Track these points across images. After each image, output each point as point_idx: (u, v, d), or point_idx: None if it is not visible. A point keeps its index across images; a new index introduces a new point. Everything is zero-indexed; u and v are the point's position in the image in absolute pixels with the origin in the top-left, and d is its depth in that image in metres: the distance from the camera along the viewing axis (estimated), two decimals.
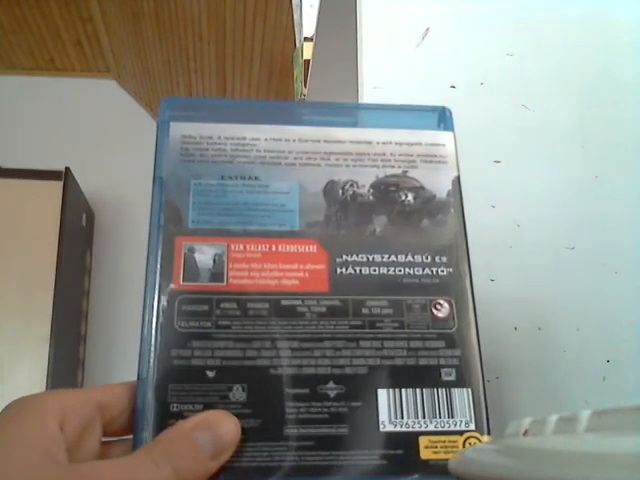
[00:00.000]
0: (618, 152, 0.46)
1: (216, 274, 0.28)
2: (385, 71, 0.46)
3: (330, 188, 0.30)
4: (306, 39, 0.93)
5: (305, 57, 0.91)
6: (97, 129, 2.22)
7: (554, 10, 0.49)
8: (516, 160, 0.45)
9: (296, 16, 1.05)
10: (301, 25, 0.99)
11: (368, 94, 0.45)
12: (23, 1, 1.88)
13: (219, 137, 0.30)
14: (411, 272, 0.29)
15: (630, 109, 0.47)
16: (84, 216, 2.01)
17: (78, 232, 1.95)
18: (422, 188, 0.31)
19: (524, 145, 0.45)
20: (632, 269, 0.43)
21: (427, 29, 0.47)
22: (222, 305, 0.27)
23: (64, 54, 2.16)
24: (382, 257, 0.29)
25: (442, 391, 0.27)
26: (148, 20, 1.91)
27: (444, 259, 0.29)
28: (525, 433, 0.23)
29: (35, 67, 2.23)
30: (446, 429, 0.27)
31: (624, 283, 0.43)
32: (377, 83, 0.45)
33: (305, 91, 0.86)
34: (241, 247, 0.28)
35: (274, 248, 0.29)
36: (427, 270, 0.29)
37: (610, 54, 0.48)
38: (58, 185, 1.78)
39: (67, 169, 1.80)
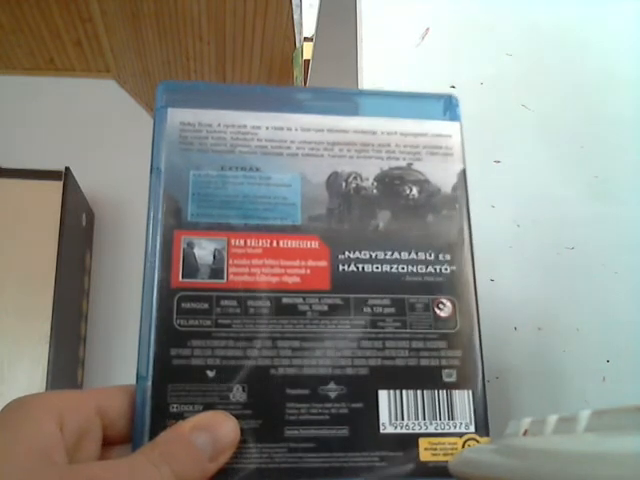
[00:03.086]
0: (618, 152, 0.46)
1: (216, 270, 0.27)
2: (385, 71, 0.46)
3: (333, 180, 0.29)
4: (306, 39, 0.93)
5: (305, 57, 0.91)
6: (97, 129, 2.22)
7: (554, 10, 0.49)
8: (516, 160, 0.45)
9: (296, 16, 1.04)
10: (301, 25, 0.99)
11: None
12: (23, 1, 1.88)
13: (219, 125, 0.29)
14: (414, 270, 0.29)
15: (630, 109, 0.47)
16: (84, 216, 2.01)
17: (78, 232, 1.95)
18: (427, 182, 0.30)
19: (524, 145, 0.45)
20: (632, 269, 0.43)
21: (427, 29, 0.47)
22: (222, 303, 0.27)
23: (64, 54, 2.16)
24: (385, 254, 0.29)
25: (443, 393, 0.27)
26: (148, 20, 1.91)
27: (447, 257, 0.29)
28: (525, 433, 0.23)
29: (35, 67, 2.23)
30: (446, 431, 0.27)
31: (624, 283, 0.43)
32: (377, 83, 0.45)
33: None
34: (242, 242, 0.28)
35: (275, 243, 0.28)
36: (430, 268, 0.29)
37: (610, 54, 0.48)
38: (58, 185, 1.77)
39: (67, 169, 1.80)
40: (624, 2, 0.50)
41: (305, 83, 0.85)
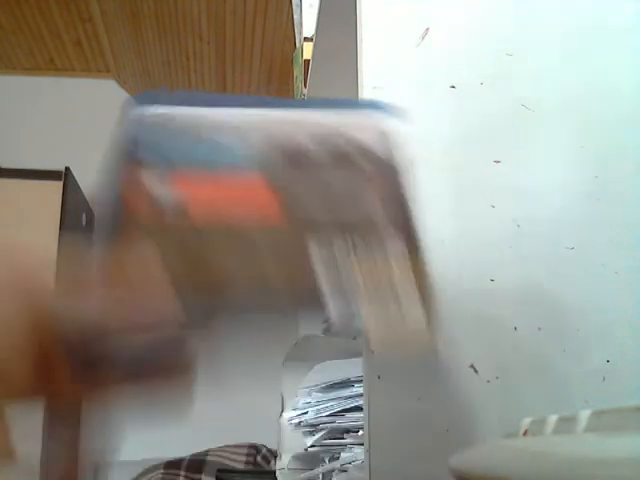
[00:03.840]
0: (618, 152, 0.46)
1: None
2: (385, 71, 0.46)
3: None
4: (306, 39, 0.93)
5: (305, 57, 0.91)
6: (97, 129, 2.21)
7: (554, 10, 0.49)
8: (516, 160, 0.45)
9: (296, 16, 1.04)
10: (301, 25, 0.99)
11: (368, 94, 0.45)
12: (23, 1, 1.88)
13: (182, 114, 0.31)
14: None
15: (630, 109, 0.47)
16: (84, 216, 2.01)
17: (78, 232, 1.95)
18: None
19: (524, 145, 0.45)
20: (632, 269, 0.43)
21: (427, 29, 0.47)
22: None
23: (64, 54, 2.16)
24: None
25: None
26: (148, 20, 1.91)
27: None
28: (525, 433, 0.23)
29: (35, 67, 2.23)
30: None
31: (624, 283, 0.43)
32: (377, 83, 0.45)
33: (305, 91, 0.86)
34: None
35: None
36: None
37: (610, 54, 0.48)
38: (58, 185, 1.78)
39: (67, 169, 1.80)
40: (624, 2, 0.50)
41: (305, 83, 0.85)
